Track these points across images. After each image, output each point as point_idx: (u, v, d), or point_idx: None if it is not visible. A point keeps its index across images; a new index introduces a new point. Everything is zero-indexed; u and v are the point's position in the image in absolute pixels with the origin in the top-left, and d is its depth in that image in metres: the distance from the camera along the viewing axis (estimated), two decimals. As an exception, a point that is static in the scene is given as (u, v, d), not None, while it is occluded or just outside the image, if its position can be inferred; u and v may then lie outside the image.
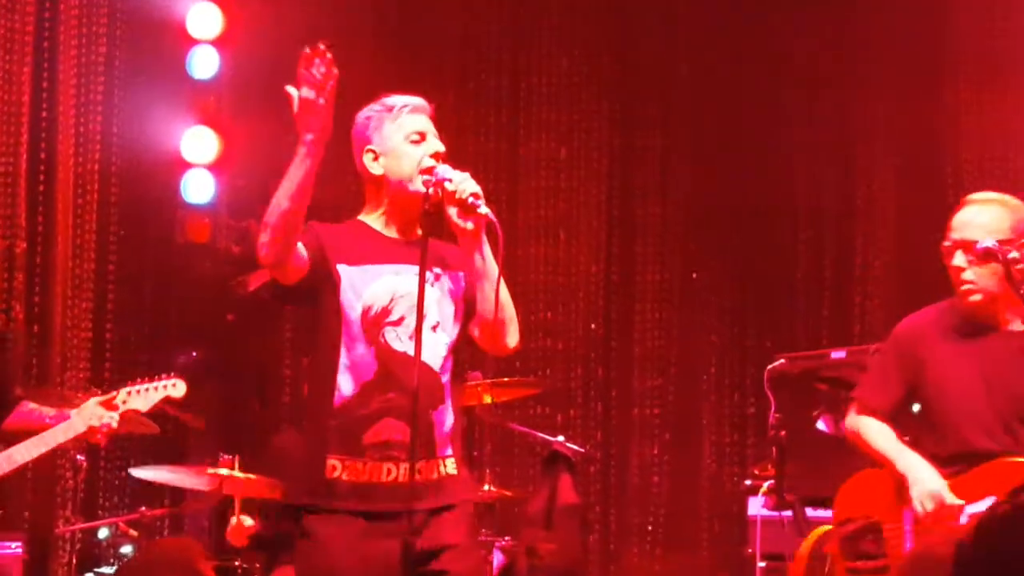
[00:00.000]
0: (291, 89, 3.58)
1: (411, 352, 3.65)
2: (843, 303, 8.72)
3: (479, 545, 5.94)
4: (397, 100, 3.88)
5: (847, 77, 8.74)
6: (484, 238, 3.74)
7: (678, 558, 8.77)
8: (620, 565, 8.87)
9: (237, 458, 5.96)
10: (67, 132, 7.50)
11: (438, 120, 3.92)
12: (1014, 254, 4.33)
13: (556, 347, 8.98)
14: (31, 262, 7.30)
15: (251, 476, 5.90)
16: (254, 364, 8.44)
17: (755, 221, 8.90)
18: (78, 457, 6.89)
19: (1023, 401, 4.42)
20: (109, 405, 4.97)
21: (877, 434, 4.60)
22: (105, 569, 6.73)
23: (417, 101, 3.89)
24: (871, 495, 4.56)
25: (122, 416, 4.98)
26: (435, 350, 3.77)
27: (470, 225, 3.71)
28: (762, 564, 6.32)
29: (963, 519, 4.27)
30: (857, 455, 4.73)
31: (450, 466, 3.79)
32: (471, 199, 3.67)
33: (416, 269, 3.67)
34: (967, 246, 4.44)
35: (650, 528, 8.90)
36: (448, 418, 3.79)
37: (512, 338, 3.82)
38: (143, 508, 6.77)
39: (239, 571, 6.11)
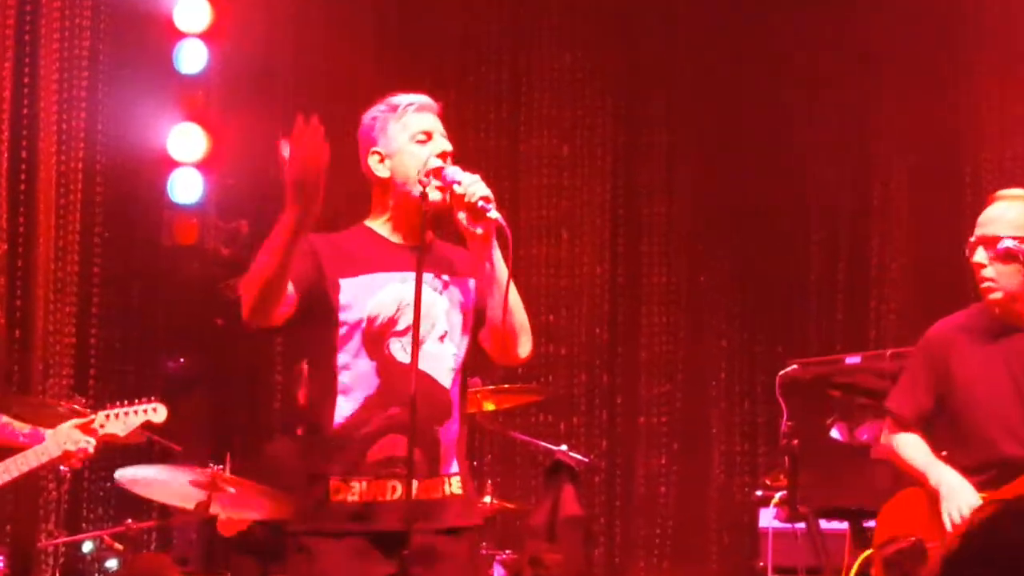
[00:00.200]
0: (284, 148, 3.52)
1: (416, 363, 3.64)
2: (858, 306, 8.72)
3: (479, 572, 5.92)
4: (402, 99, 3.85)
5: (861, 70, 8.73)
6: (495, 243, 3.70)
7: (686, 572, 8.77)
8: (626, 579, 8.89)
9: (227, 466, 5.95)
10: (49, 129, 7.49)
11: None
12: None
13: (559, 352, 8.99)
14: (12, 264, 7.29)
15: (243, 481, 5.88)
16: (244, 370, 8.44)
17: (765, 220, 8.90)
18: (61, 467, 6.87)
19: None
20: (86, 429, 4.96)
21: (909, 448, 4.60)
22: (89, 584, 6.73)
23: (423, 99, 3.86)
24: (913, 514, 4.54)
25: (99, 440, 4.97)
26: (442, 362, 3.74)
27: (480, 230, 3.68)
28: (774, 578, 6.34)
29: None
30: (891, 470, 4.73)
31: (455, 485, 3.76)
32: (481, 203, 3.64)
33: (425, 276, 3.64)
34: (989, 243, 4.45)
35: (657, 541, 8.90)
36: (455, 434, 3.76)
37: (524, 348, 3.78)
38: (129, 520, 6.74)
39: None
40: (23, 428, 5.00)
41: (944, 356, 4.56)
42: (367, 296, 3.72)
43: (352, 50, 8.49)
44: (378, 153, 3.81)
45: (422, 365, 3.65)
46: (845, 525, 5.82)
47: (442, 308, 3.76)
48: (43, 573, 7.21)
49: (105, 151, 7.86)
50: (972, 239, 4.51)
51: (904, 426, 4.65)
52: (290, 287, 3.62)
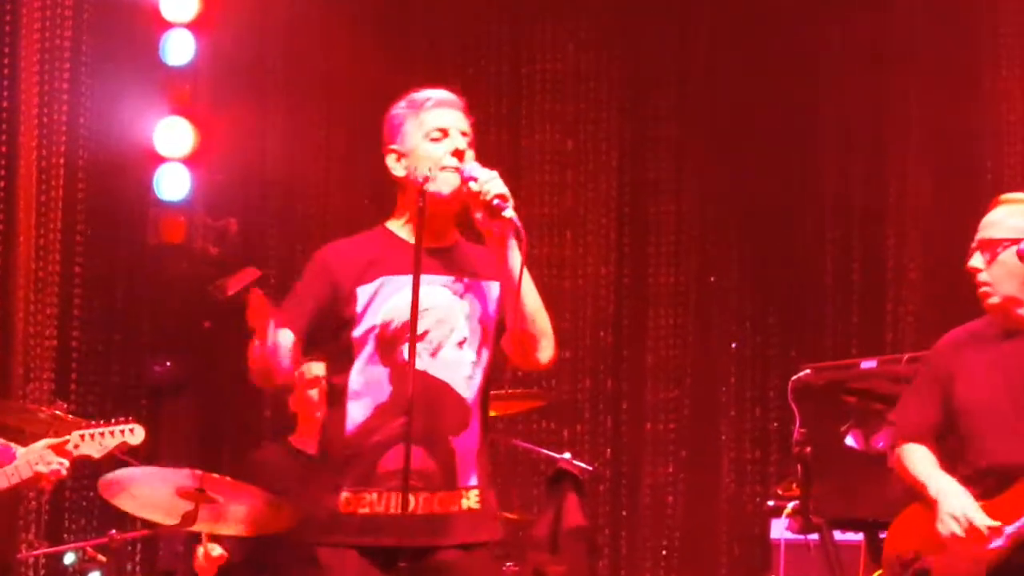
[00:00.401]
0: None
1: (431, 370, 3.66)
2: (874, 309, 8.70)
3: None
4: (421, 95, 3.88)
5: (877, 66, 8.71)
6: (513, 244, 3.71)
7: (694, 585, 8.78)
8: (632, 592, 8.88)
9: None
10: (30, 123, 7.50)
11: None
12: None
13: (562, 356, 8.83)
14: (-10, 264, 7.30)
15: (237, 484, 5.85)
16: (233, 375, 8.42)
17: (778, 220, 8.89)
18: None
19: None
20: (60, 450, 4.95)
21: (912, 460, 4.60)
22: (71, 597, 6.73)
23: (443, 95, 3.88)
24: (921, 529, 4.54)
25: (72, 462, 4.97)
26: (459, 369, 3.75)
27: (495, 230, 3.69)
28: (786, 591, 6.33)
29: (1000, 541, 4.25)
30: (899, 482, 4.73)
31: (473, 499, 3.76)
32: (497, 201, 3.65)
33: (444, 279, 3.69)
34: (988, 246, 4.48)
35: (664, 553, 8.89)
36: (474, 445, 3.76)
37: (545, 353, 3.81)
38: (113, 531, 6.73)
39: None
40: None
41: (949, 365, 4.57)
42: (382, 301, 3.75)
43: (347, 40, 8.48)
44: (395, 151, 3.84)
45: (437, 372, 3.67)
46: (860, 537, 5.82)
47: (462, 313, 3.77)
48: (23, 585, 7.21)
49: (88, 146, 7.87)
50: (973, 244, 4.54)
51: (908, 438, 4.64)
52: (292, 347, 3.73)
